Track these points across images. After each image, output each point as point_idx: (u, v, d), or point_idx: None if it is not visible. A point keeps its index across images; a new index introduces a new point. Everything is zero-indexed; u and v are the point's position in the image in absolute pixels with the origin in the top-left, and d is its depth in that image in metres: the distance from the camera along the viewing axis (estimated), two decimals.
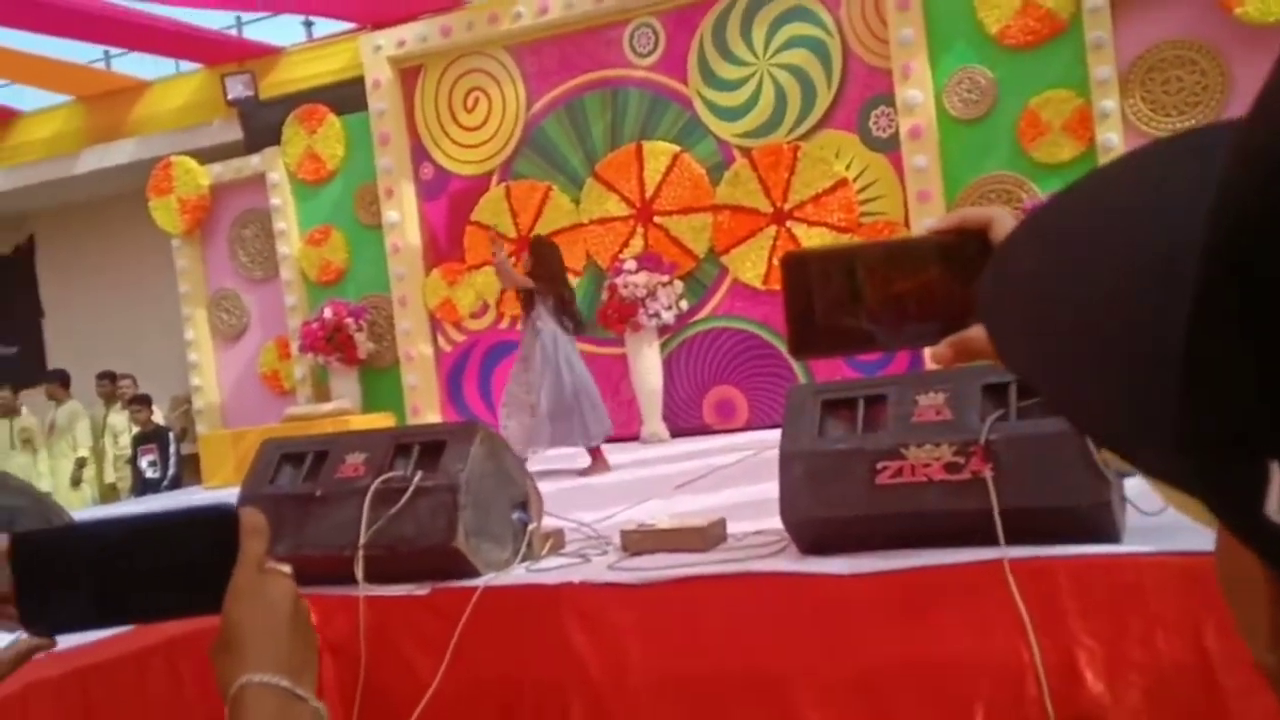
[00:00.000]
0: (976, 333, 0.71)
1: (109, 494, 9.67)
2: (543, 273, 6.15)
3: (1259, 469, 0.27)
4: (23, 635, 0.87)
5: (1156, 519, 2.73)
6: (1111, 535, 2.66)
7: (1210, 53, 6.63)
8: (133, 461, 9.23)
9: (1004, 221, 0.73)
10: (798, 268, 0.76)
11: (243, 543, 0.75)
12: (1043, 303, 0.39)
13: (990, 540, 2.64)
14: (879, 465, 2.82)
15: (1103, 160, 6.65)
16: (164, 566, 0.75)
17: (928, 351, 0.75)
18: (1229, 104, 6.56)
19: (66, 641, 0.87)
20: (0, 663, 0.97)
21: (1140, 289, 0.34)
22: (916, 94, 7.24)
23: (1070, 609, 2.58)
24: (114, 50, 10.82)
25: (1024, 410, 2.78)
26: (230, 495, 3.70)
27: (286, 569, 0.77)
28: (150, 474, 9.09)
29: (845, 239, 7.48)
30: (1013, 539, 2.62)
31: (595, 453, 6.12)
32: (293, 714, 0.72)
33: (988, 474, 2.69)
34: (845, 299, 0.74)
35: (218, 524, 0.75)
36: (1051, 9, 6.94)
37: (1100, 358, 0.35)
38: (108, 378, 9.80)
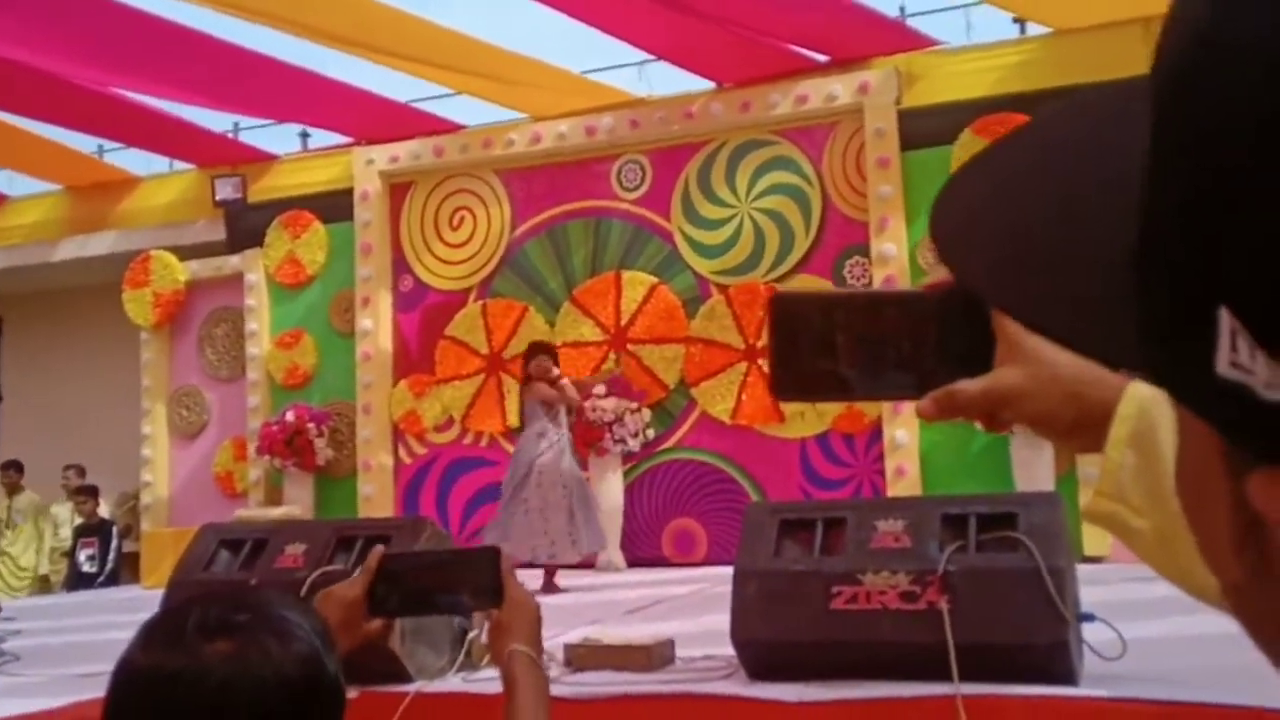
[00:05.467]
0: (960, 387, 0.70)
1: (41, 585, 9.30)
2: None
3: (1209, 326, 0.26)
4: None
5: (1115, 665, 2.66)
6: (1068, 677, 2.59)
7: None
8: (70, 554, 8.91)
9: None
10: (785, 309, 0.75)
11: (505, 568, 1.32)
12: (999, 212, 0.38)
13: (944, 674, 2.55)
14: (834, 589, 2.75)
15: None
16: (457, 579, 1.33)
17: (916, 405, 0.73)
18: None
19: None
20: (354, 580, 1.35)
21: (1093, 194, 0.34)
22: (891, 247, 7.42)
23: None
24: (109, 144, 10.98)
25: (983, 543, 2.74)
26: None
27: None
28: (87, 568, 8.78)
29: None
30: (966, 675, 2.54)
31: (551, 573, 6.04)
32: (536, 671, 1.27)
33: (944, 606, 2.63)
34: (830, 344, 0.73)
35: (492, 555, 1.34)
36: None
37: (1060, 259, 0.34)
38: (13, 467, 9.64)
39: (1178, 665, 2.78)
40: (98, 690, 3.16)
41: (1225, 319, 0.26)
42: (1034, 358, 0.69)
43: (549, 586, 5.99)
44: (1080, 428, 0.69)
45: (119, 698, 1.01)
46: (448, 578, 1.35)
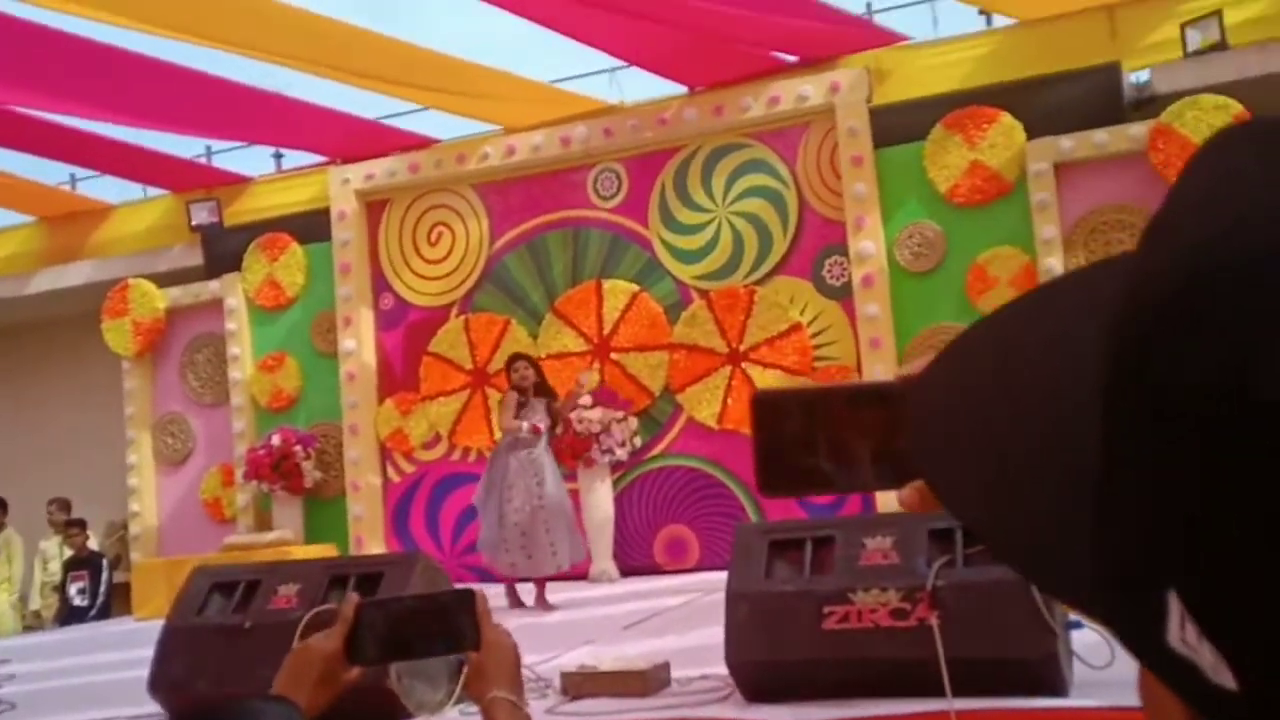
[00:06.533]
0: None
1: (33, 622, 9.24)
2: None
3: (1159, 599, 0.27)
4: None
5: (1104, 673, 2.69)
6: (1059, 689, 2.62)
7: (1148, 217, 6.91)
8: (61, 588, 8.87)
9: None
10: (766, 407, 0.77)
11: (481, 609, 1.28)
12: (960, 441, 0.39)
13: (937, 690, 2.58)
14: (826, 609, 2.77)
15: None
16: (434, 625, 1.29)
17: (896, 495, 0.75)
18: None
19: None
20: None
21: (1049, 428, 0.34)
22: (869, 245, 7.45)
23: None
24: (81, 173, 10.91)
25: (971, 556, 2.77)
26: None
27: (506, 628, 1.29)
28: (79, 601, 8.73)
29: (800, 381, 7.56)
30: (959, 689, 2.57)
31: (541, 587, 6.05)
32: (518, 716, 1.23)
33: (934, 621, 2.65)
34: (813, 440, 0.76)
35: (468, 598, 1.29)
36: (997, 171, 7.25)
37: (1017, 497, 0.35)
38: None
39: None
40: None
41: (1174, 600, 0.26)
42: None
43: (541, 602, 6.00)
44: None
45: None
46: (425, 623, 1.36)
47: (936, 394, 0.42)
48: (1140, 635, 0.28)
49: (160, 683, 3.24)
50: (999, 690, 2.58)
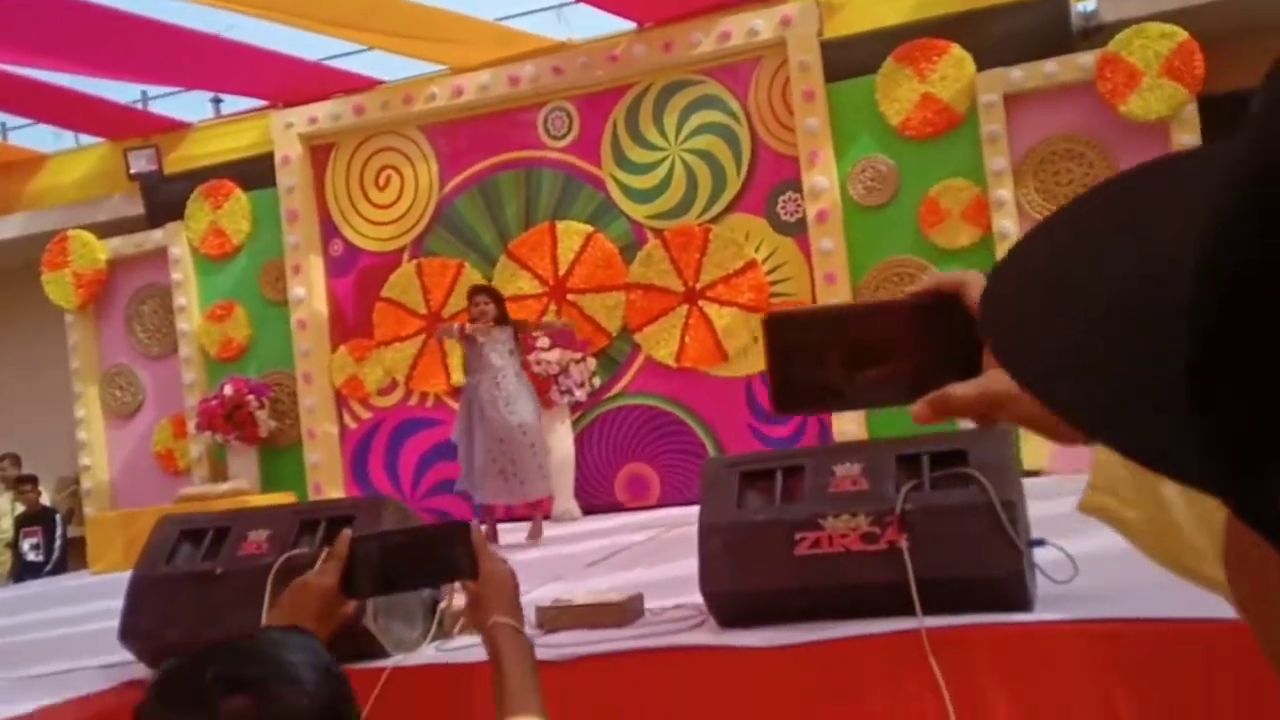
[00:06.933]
0: (953, 391, 0.73)
1: None
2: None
3: (1274, 466, 0.27)
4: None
5: (1067, 587, 2.78)
6: (1024, 604, 2.70)
7: (1097, 146, 7.01)
8: (14, 545, 8.74)
9: (976, 285, 0.75)
10: (778, 328, 0.78)
11: (476, 540, 1.34)
12: (1040, 316, 0.39)
13: (907, 610, 2.65)
14: (797, 536, 2.82)
15: (999, 247, 6.93)
16: (430, 557, 1.34)
17: (911, 409, 0.76)
18: None
19: None
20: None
21: (1144, 301, 0.34)
22: (822, 180, 7.46)
23: (987, 679, 2.59)
24: (12, 122, 10.54)
25: (937, 480, 2.82)
26: (119, 581, 3.53)
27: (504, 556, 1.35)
28: (33, 557, 8.62)
29: (756, 317, 7.60)
30: (929, 609, 2.64)
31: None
32: (519, 640, 1.29)
33: (903, 544, 2.71)
34: (824, 359, 0.77)
35: (463, 530, 1.35)
36: (949, 103, 7.27)
37: (1107, 364, 0.35)
38: None
39: (1129, 580, 2.90)
40: (63, 691, 3.14)
41: None
42: None
43: (535, 533, 6.16)
44: (1070, 426, 0.72)
45: None
46: (420, 556, 1.36)
47: (1015, 276, 0.42)
48: (1259, 498, 0.28)
49: (131, 632, 3.22)
50: (967, 608, 2.65)
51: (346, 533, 1.40)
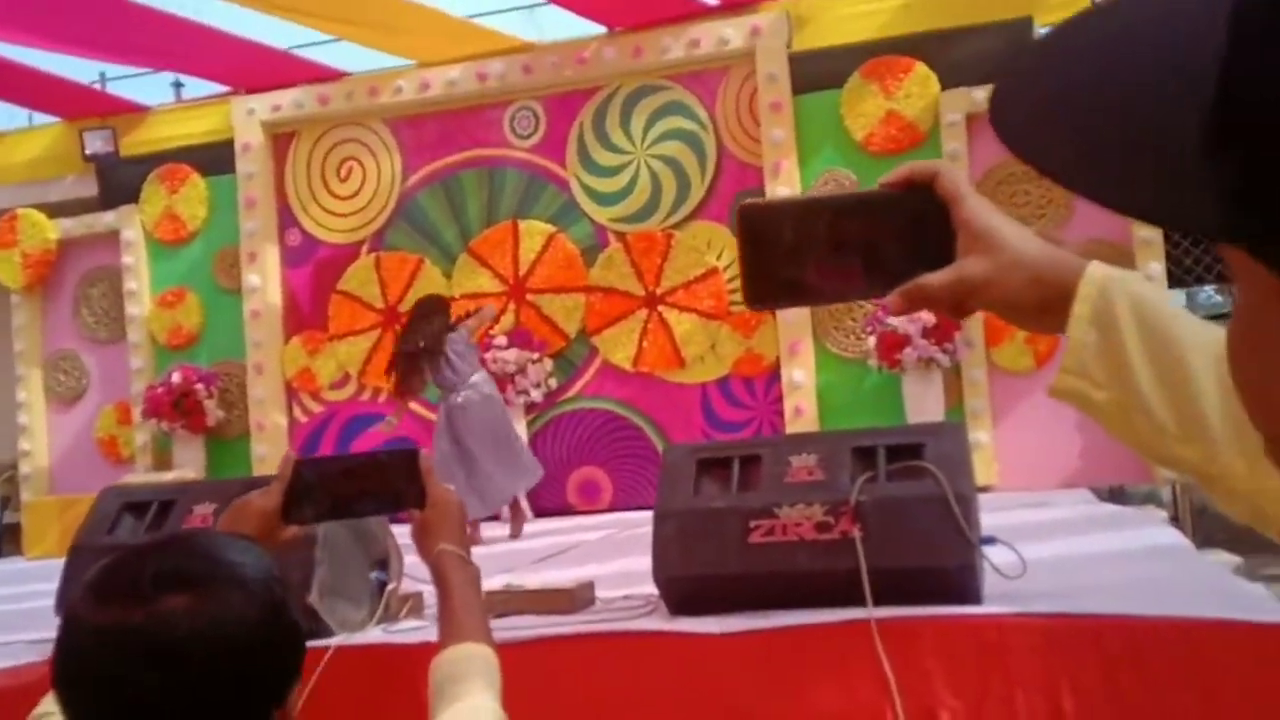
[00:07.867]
0: (926, 280, 0.72)
1: None
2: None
3: None
4: None
5: (1016, 583, 2.81)
6: (974, 597, 2.72)
7: None
8: None
9: (950, 174, 0.75)
10: (752, 219, 0.76)
11: (425, 467, 1.30)
12: (1072, 101, 0.38)
13: (858, 600, 2.65)
14: (752, 524, 2.82)
15: None
16: (377, 483, 1.30)
17: (884, 301, 0.75)
18: (1071, 218, 7.03)
19: None
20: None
21: (1161, 70, 0.34)
22: (785, 192, 7.50)
23: (934, 669, 2.61)
24: None
25: (893, 473, 2.84)
26: (55, 566, 3.44)
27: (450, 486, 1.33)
28: None
29: (715, 324, 7.63)
30: (880, 599, 2.65)
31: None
32: (466, 568, 1.27)
33: (856, 534, 2.72)
34: (798, 251, 0.75)
35: (410, 456, 1.31)
36: (912, 121, 7.36)
37: (1139, 140, 0.34)
38: None
39: (1073, 582, 2.94)
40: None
41: None
42: (997, 246, 0.71)
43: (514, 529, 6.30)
44: (1043, 310, 0.71)
45: (73, 654, 0.98)
46: (366, 482, 1.31)
47: (1035, 67, 0.41)
48: (1268, 239, 0.29)
49: (67, 604, 3.14)
50: (917, 599, 2.66)
51: (290, 453, 1.36)
